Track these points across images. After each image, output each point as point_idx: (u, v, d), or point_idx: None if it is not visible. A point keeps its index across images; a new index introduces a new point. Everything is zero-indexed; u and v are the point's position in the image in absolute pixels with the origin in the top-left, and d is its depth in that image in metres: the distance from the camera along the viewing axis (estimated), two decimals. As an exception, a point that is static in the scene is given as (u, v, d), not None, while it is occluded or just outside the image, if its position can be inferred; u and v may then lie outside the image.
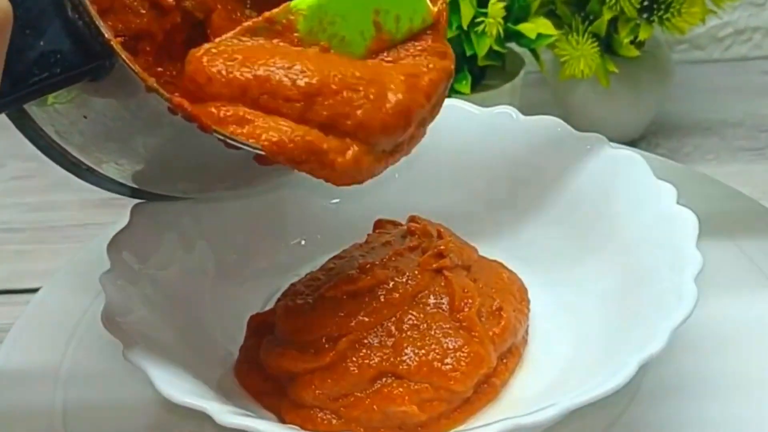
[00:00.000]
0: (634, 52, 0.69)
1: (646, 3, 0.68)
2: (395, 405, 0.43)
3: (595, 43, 0.68)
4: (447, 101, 0.55)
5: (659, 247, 0.46)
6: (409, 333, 0.45)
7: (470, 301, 0.47)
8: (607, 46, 0.70)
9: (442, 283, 0.47)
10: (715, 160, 0.75)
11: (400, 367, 0.44)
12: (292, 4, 0.41)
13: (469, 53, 0.66)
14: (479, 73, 0.71)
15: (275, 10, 0.41)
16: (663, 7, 0.67)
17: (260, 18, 0.41)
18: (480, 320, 0.46)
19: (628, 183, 0.50)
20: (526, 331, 0.49)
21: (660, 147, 0.77)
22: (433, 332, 0.45)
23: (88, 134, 0.40)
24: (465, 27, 0.65)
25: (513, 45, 0.72)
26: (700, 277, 0.42)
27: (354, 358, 0.44)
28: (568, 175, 0.52)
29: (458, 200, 0.55)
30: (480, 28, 0.65)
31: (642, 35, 0.68)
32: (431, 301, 0.47)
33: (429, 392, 0.44)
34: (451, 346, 0.45)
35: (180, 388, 0.39)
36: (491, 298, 0.48)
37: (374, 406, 0.43)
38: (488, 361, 0.45)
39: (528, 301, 0.50)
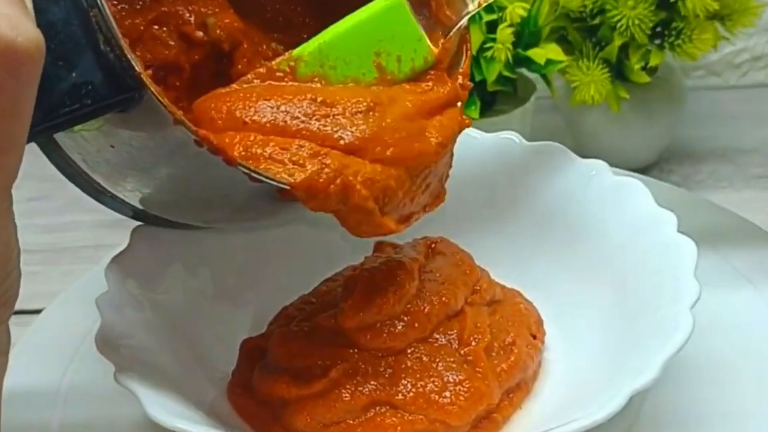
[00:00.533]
0: (645, 78, 0.69)
1: (657, 29, 0.68)
2: None
3: (606, 69, 0.68)
4: None
5: (658, 274, 0.45)
6: (409, 364, 0.45)
7: (479, 336, 0.46)
8: (618, 72, 0.70)
9: (457, 317, 0.47)
10: (729, 187, 0.75)
11: (396, 397, 0.44)
12: (294, 52, 0.42)
13: (478, 78, 0.66)
14: (490, 98, 0.71)
15: (276, 60, 0.42)
16: (674, 33, 0.67)
17: (261, 69, 0.42)
18: (489, 355, 0.46)
19: (630, 210, 0.49)
20: (539, 365, 0.48)
21: (673, 174, 0.77)
22: (435, 365, 0.45)
23: (114, 163, 0.40)
24: (474, 52, 0.65)
25: (524, 70, 0.72)
26: (698, 306, 0.42)
27: (348, 386, 0.44)
28: (569, 202, 0.52)
29: (459, 225, 0.54)
30: (489, 53, 0.65)
31: (653, 61, 0.68)
32: (440, 335, 0.46)
33: (423, 424, 0.43)
34: (451, 380, 0.44)
35: (170, 412, 0.39)
36: (505, 332, 0.47)
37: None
38: (489, 398, 0.44)
39: (543, 333, 0.50)
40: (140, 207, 0.45)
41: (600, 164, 0.52)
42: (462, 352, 0.45)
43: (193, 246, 0.51)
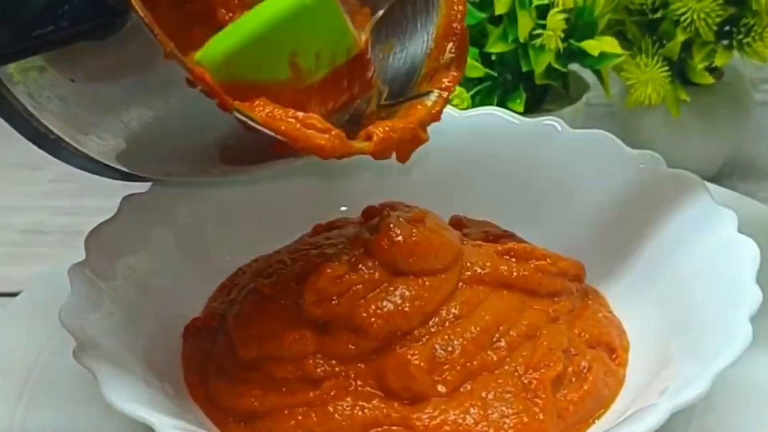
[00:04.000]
0: (709, 80, 0.64)
1: (725, 27, 0.63)
2: None
3: (666, 68, 0.63)
4: (487, 109, 0.52)
5: (714, 277, 0.41)
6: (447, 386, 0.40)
7: (551, 363, 0.41)
8: (680, 73, 0.65)
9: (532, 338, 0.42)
10: (795, 206, 0.68)
11: (413, 419, 0.39)
12: (196, 55, 0.36)
13: (525, 69, 0.62)
14: (540, 94, 0.65)
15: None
16: (743, 30, 0.62)
17: None
18: (560, 383, 0.40)
19: (684, 205, 0.45)
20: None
21: (735, 189, 0.70)
22: (485, 393, 0.40)
23: (70, 101, 0.36)
24: (522, 40, 0.60)
25: (577, 68, 0.67)
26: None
27: (346, 398, 0.40)
28: (619, 195, 0.48)
29: (501, 217, 0.50)
30: (538, 41, 0.60)
31: (718, 61, 0.62)
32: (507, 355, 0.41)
33: None
34: (498, 412, 0.39)
35: (127, 397, 0.35)
36: (582, 354, 0.42)
37: None
38: None
39: (627, 350, 0.44)
40: (95, 156, 0.40)
41: (652, 155, 0.48)
42: (525, 379, 0.40)
43: (186, 219, 0.48)
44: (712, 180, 0.70)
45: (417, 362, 0.40)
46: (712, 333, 0.38)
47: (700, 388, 0.34)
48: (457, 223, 0.48)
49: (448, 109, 0.53)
